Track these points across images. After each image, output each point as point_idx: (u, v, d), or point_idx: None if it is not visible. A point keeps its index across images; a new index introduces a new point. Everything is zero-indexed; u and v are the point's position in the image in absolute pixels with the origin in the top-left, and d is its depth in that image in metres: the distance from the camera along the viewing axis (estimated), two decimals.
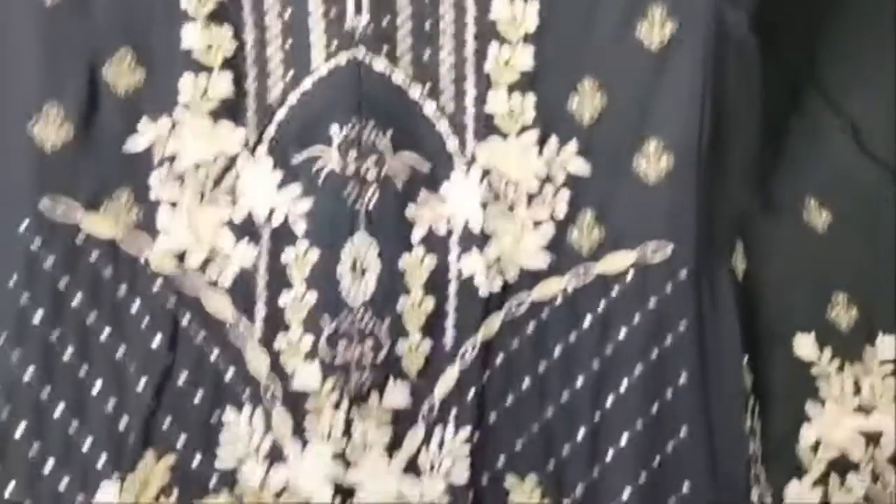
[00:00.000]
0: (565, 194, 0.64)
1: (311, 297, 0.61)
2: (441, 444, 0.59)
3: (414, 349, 0.61)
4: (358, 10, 0.62)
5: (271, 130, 0.62)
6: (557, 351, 0.62)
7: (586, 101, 0.64)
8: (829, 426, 0.64)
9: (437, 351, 0.61)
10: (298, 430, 0.58)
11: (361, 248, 0.61)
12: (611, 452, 0.60)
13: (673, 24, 0.62)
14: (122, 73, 0.60)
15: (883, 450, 0.64)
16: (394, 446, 0.59)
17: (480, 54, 0.63)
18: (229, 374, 0.59)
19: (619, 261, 0.63)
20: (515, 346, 0.62)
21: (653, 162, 0.63)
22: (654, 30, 0.62)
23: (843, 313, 0.68)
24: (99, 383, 0.58)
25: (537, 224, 0.63)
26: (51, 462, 0.56)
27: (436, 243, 0.62)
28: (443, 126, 0.63)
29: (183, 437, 0.57)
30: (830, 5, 0.76)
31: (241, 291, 0.60)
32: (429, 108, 0.63)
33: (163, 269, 0.60)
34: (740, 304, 0.65)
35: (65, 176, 0.59)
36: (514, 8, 0.63)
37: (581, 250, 0.63)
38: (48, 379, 0.57)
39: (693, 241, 0.63)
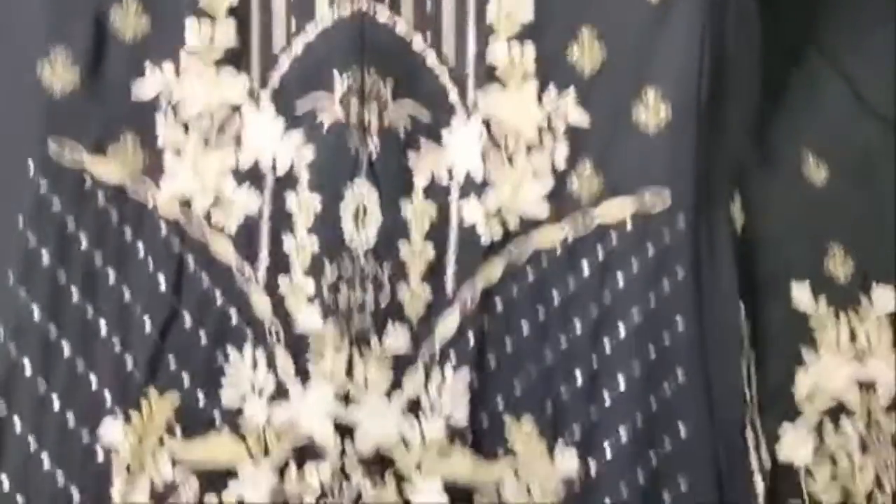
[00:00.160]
0: (565, 144, 0.64)
1: (314, 243, 0.62)
2: (441, 387, 0.60)
3: (415, 295, 0.62)
4: None
5: (275, 79, 0.63)
6: (557, 298, 0.63)
7: (586, 52, 0.64)
8: (824, 374, 0.65)
9: (438, 297, 0.62)
10: (300, 371, 0.59)
11: (363, 195, 0.62)
12: (608, 396, 0.61)
13: None
14: (128, 20, 0.61)
15: (878, 397, 0.65)
16: (394, 388, 0.60)
17: (482, 5, 0.64)
18: (233, 316, 0.60)
19: (617, 208, 0.64)
20: (515, 293, 0.63)
21: (652, 112, 0.64)
22: None
23: (839, 264, 0.68)
24: (105, 324, 0.59)
25: (537, 173, 0.64)
26: (58, 399, 0.57)
27: (437, 192, 0.63)
28: (444, 76, 0.64)
29: (187, 377, 0.58)
30: None
31: (246, 237, 0.61)
32: (431, 58, 0.64)
33: (168, 213, 0.61)
34: (738, 253, 0.66)
35: (72, 121, 0.60)
36: None
37: (580, 199, 0.64)
38: (55, 319, 0.58)
39: (691, 191, 0.64)
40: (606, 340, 0.62)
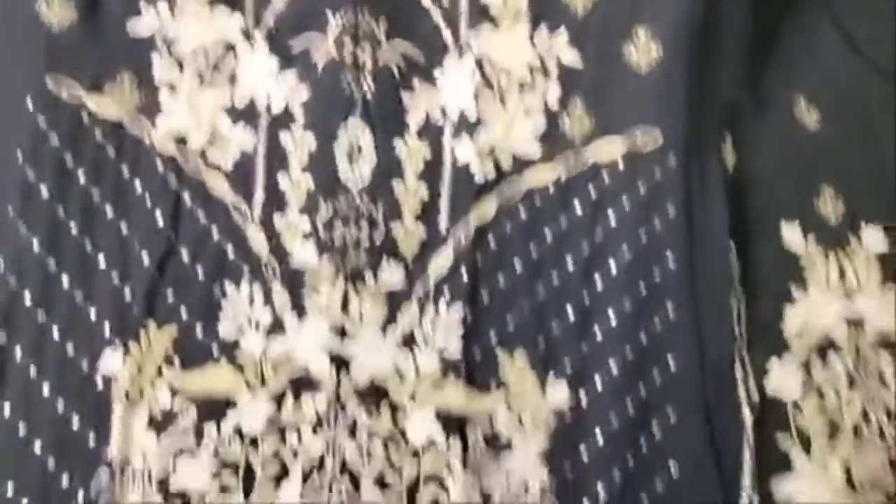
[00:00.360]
0: (557, 83, 0.65)
1: (309, 181, 0.62)
2: (434, 321, 0.61)
3: (409, 233, 0.63)
4: None
5: (268, 19, 0.64)
6: (549, 236, 0.64)
7: None
8: (813, 311, 0.65)
9: (432, 235, 0.63)
10: (297, 306, 0.60)
11: (358, 134, 0.63)
12: (599, 331, 0.62)
13: None
14: None
15: (866, 333, 0.66)
16: (389, 322, 0.61)
17: None
18: (230, 251, 0.61)
19: (609, 147, 0.64)
20: (508, 231, 0.63)
21: (643, 51, 0.65)
22: None
23: (829, 205, 0.69)
24: (103, 257, 0.60)
25: (529, 113, 0.65)
26: (57, 329, 0.58)
27: (430, 131, 0.64)
28: (437, 15, 0.65)
29: (185, 310, 0.59)
30: None
31: (241, 174, 0.62)
32: None
33: (165, 150, 0.62)
34: (729, 193, 0.66)
35: (69, 57, 0.61)
36: None
37: (573, 138, 0.65)
38: (54, 252, 0.59)
39: (682, 129, 0.64)
40: (598, 277, 0.63)
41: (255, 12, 0.63)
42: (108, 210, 0.60)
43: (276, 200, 0.62)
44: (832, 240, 0.68)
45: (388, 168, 0.63)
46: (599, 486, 0.58)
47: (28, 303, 0.58)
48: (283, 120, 0.63)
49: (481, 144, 0.64)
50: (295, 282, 0.61)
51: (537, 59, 0.65)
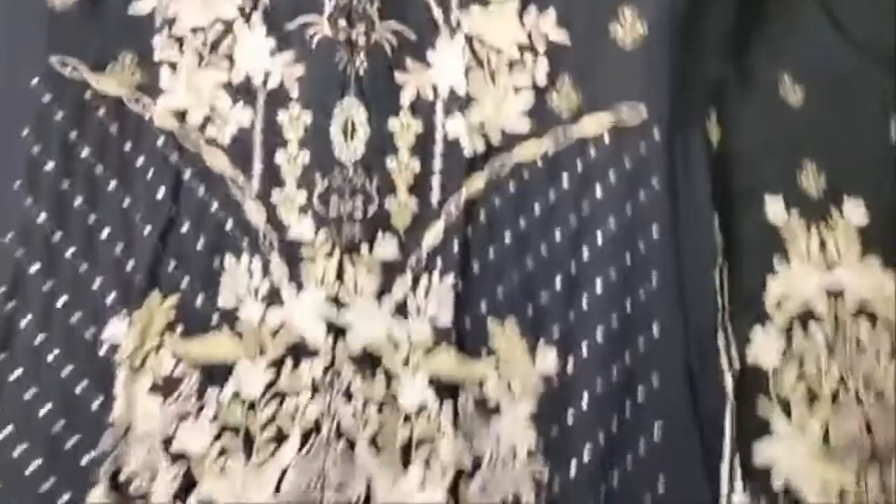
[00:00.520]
0: (545, 61, 0.67)
1: (305, 156, 0.65)
2: (427, 291, 0.63)
3: (402, 206, 0.65)
4: None
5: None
6: (537, 208, 0.66)
7: None
8: (794, 281, 0.67)
9: (424, 208, 0.65)
10: (294, 277, 0.63)
11: (352, 111, 0.65)
12: (586, 298, 0.64)
13: None
14: None
15: (846, 303, 0.68)
16: (383, 292, 0.63)
17: None
18: (229, 224, 0.63)
19: (595, 123, 0.66)
20: (498, 204, 0.66)
21: (629, 28, 0.66)
22: None
23: (812, 180, 0.71)
24: (107, 229, 0.62)
25: (518, 90, 0.67)
26: (63, 298, 0.60)
27: (422, 107, 0.66)
28: None
29: (186, 280, 0.61)
30: None
31: (239, 149, 0.64)
32: None
33: (165, 126, 0.64)
34: (713, 167, 0.68)
35: (73, 37, 0.63)
36: None
37: (560, 114, 0.67)
38: (60, 224, 0.61)
39: (667, 104, 0.66)
40: (585, 248, 0.65)
41: None
42: (111, 184, 0.63)
43: (273, 175, 0.64)
44: (814, 213, 0.70)
45: (381, 144, 0.65)
46: (585, 448, 0.60)
47: (34, 273, 0.60)
48: (279, 97, 0.65)
49: (472, 120, 0.66)
50: (292, 253, 0.63)
51: (526, 37, 0.67)
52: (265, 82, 0.65)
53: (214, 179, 0.64)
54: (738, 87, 0.74)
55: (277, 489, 0.57)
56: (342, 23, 0.65)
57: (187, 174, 0.63)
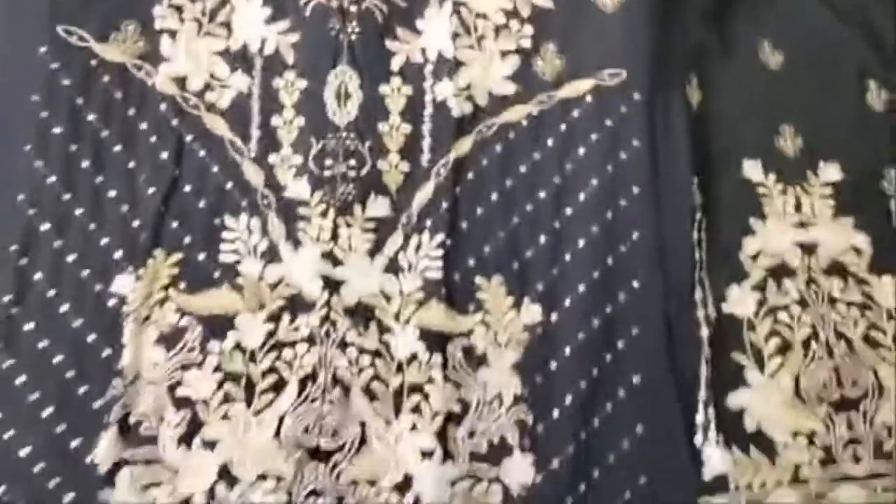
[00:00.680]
0: (530, 27, 0.70)
1: (300, 120, 0.68)
2: (418, 248, 0.66)
3: (393, 167, 0.68)
4: None
5: None
6: (523, 168, 0.69)
7: None
8: (769, 237, 0.71)
9: (415, 169, 0.68)
10: (291, 235, 0.66)
11: (345, 77, 0.68)
12: (569, 254, 0.67)
13: None
14: None
15: (819, 259, 0.71)
16: (376, 250, 0.66)
17: None
18: (229, 185, 0.66)
19: (578, 88, 0.69)
20: (485, 164, 0.69)
21: None
22: None
23: (789, 142, 0.74)
24: (113, 191, 0.65)
25: (504, 54, 0.70)
26: (73, 255, 0.63)
27: (412, 72, 0.69)
28: None
29: (189, 238, 0.65)
30: None
31: (238, 114, 0.68)
32: None
33: (167, 91, 0.67)
34: (694, 129, 0.71)
35: (77, 7, 0.66)
36: None
37: (545, 78, 0.70)
38: (68, 185, 0.65)
39: (647, 67, 0.69)
40: (568, 206, 0.68)
41: None
42: (117, 147, 0.66)
43: (270, 138, 0.68)
44: (791, 175, 0.73)
45: (373, 107, 0.68)
46: (567, 395, 0.63)
47: (45, 231, 0.63)
48: (275, 64, 0.68)
49: (459, 83, 0.69)
50: (289, 213, 0.66)
51: (511, 3, 0.70)
52: (261, 50, 0.68)
53: (215, 142, 0.67)
54: (719, 52, 0.77)
55: (277, 433, 0.61)
56: None
57: (189, 138, 0.67)
